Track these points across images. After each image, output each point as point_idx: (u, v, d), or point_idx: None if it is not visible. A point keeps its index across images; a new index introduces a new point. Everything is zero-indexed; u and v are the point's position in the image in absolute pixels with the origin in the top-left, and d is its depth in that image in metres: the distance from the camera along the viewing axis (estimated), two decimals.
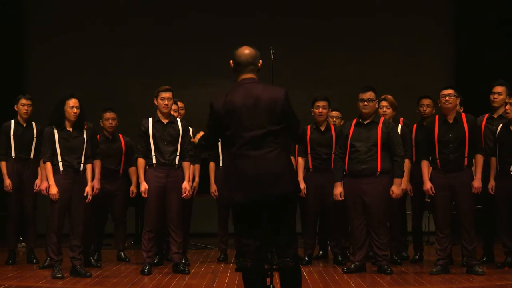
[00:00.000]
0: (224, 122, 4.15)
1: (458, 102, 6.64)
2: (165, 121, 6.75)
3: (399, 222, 7.31)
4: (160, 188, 6.67)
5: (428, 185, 6.49)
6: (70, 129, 6.52)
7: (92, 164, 6.70)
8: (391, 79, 10.40)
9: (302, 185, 7.13)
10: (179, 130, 6.77)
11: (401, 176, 6.58)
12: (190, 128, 7.07)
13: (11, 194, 7.43)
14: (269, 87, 4.23)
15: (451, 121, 6.50)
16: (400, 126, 7.03)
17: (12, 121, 7.51)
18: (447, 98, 6.47)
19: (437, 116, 6.63)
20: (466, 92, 7.90)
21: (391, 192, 6.52)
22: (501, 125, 6.77)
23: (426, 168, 6.54)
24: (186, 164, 6.77)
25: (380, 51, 10.85)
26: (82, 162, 6.52)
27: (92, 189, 6.65)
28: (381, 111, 7.13)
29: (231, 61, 4.27)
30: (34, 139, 7.48)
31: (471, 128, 6.47)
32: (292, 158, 6.85)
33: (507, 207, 6.67)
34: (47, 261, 6.99)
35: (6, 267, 7.24)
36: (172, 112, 6.90)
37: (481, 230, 7.16)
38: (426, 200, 7.32)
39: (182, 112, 7.53)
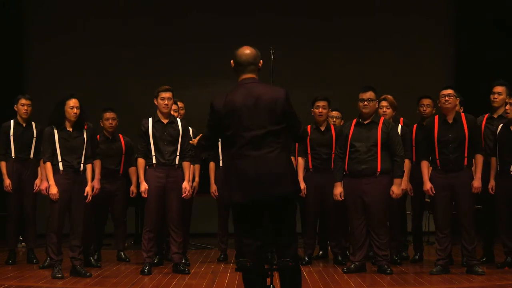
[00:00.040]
0: (224, 122, 4.15)
1: (457, 102, 6.64)
2: (165, 121, 6.75)
3: (399, 222, 7.31)
4: (160, 188, 6.67)
5: (428, 185, 6.49)
6: (70, 129, 6.52)
7: (92, 164, 6.70)
8: (391, 79, 10.40)
9: (302, 185, 7.13)
10: (179, 130, 6.77)
11: (401, 176, 6.58)
12: (190, 128, 7.08)
13: (11, 194, 7.43)
14: (270, 87, 4.23)
15: (450, 121, 6.50)
16: (400, 126, 7.03)
17: (12, 121, 7.51)
18: (446, 98, 6.47)
19: (436, 116, 6.63)
20: (466, 92, 7.90)
21: (391, 192, 6.52)
22: (501, 125, 6.77)
23: (426, 168, 6.54)
24: (186, 164, 6.77)
25: (380, 51, 10.85)
26: (82, 162, 6.52)
27: (92, 189, 6.65)
28: (381, 111, 7.13)
29: (231, 61, 4.26)
30: (34, 139, 7.48)
31: (471, 128, 6.47)
32: (292, 158, 6.85)
33: (507, 207, 6.67)
34: (47, 261, 6.99)
35: (6, 267, 7.24)
36: (172, 112, 6.90)
37: (481, 230, 7.15)
38: (426, 200, 7.32)
39: (182, 112, 7.53)
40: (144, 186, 6.66)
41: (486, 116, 7.10)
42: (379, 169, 6.47)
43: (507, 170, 6.63)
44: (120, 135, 7.81)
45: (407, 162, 6.87)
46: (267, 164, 4.08)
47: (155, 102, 6.76)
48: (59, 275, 6.35)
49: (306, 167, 7.31)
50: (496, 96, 7.03)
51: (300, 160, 7.30)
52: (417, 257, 7.39)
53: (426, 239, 8.92)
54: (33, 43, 11.05)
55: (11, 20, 10.77)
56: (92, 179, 6.67)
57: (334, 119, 7.77)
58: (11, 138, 7.43)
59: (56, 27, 10.96)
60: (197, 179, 7.37)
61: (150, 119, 6.77)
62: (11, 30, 10.73)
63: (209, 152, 7.56)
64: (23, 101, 7.49)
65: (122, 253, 7.76)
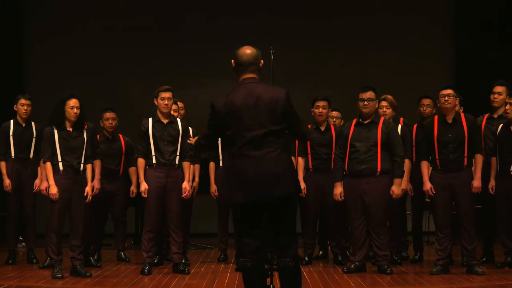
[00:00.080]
0: (225, 122, 4.15)
1: (457, 102, 6.64)
2: (165, 121, 6.75)
3: (399, 222, 7.31)
4: (160, 188, 6.67)
5: (428, 185, 6.49)
6: (70, 129, 6.52)
7: (92, 164, 6.70)
8: (391, 79, 10.40)
9: (302, 185, 7.13)
10: (179, 130, 6.77)
11: (401, 176, 6.58)
12: (190, 128, 7.08)
13: (10, 194, 7.43)
14: (271, 87, 4.22)
15: (450, 121, 6.50)
16: (400, 126, 7.03)
17: (12, 121, 7.51)
18: (446, 98, 6.47)
19: (436, 117, 6.63)
20: (466, 92, 7.90)
21: (391, 192, 6.52)
22: (501, 125, 6.77)
23: (426, 168, 6.54)
24: (186, 164, 6.77)
25: (380, 51, 10.85)
26: (82, 162, 6.52)
27: (92, 189, 6.65)
28: (381, 111, 7.12)
29: (232, 61, 4.26)
30: (34, 139, 7.48)
31: (470, 128, 6.47)
32: (292, 158, 6.85)
33: (507, 207, 6.67)
34: (47, 261, 6.99)
35: (6, 267, 7.24)
36: (172, 112, 6.90)
37: (481, 230, 7.16)
38: (426, 200, 7.32)
39: (182, 112, 7.53)
40: (144, 186, 6.66)
41: (486, 116, 7.10)
42: (379, 169, 6.47)
43: (507, 170, 6.63)
44: (120, 135, 7.81)
45: (407, 162, 6.87)
46: (267, 164, 4.07)
47: (155, 102, 6.76)
48: (59, 275, 6.35)
49: (306, 167, 7.31)
50: (496, 96, 7.04)
51: (300, 160, 7.30)
52: (417, 257, 7.39)
53: (426, 239, 8.92)
54: (33, 43, 11.05)
55: (11, 20, 10.77)
56: (92, 179, 6.68)
57: (334, 119, 7.77)
58: (11, 138, 7.43)
59: (56, 27, 10.96)
60: (197, 179, 7.37)
61: (150, 119, 6.77)
62: (11, 30, 10.73)
63: (209, 152, 7.57)
64: (22, 101, 7.49)
65: (122, 253, 7.76)
